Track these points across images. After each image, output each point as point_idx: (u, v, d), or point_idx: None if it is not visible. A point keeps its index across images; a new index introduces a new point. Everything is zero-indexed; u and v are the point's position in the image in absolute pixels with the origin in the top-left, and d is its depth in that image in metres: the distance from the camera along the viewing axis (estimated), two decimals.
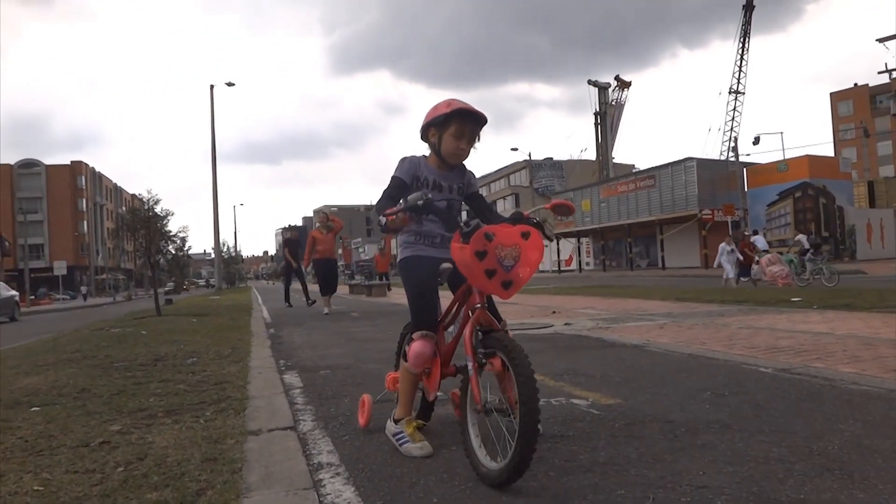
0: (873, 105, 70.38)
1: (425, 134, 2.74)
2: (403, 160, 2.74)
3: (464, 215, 2.71)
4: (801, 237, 18.99)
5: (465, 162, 2.79)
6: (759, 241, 19.17)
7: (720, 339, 5.76)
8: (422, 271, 2.71)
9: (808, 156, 37.54)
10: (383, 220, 2.44)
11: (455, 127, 2.63)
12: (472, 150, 2.72)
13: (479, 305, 2.42)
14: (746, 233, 20.53)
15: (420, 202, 2.40)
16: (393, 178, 2.70)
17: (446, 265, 2.69)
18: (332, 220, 11.95)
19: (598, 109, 59.47)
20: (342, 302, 15.31)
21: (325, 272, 11.97)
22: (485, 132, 2.72)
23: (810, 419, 2.92)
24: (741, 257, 17.04)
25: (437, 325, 2.70)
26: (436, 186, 2.72)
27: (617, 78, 59.52)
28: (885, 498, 1.99)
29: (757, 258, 17.05)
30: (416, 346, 2.63)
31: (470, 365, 2.36)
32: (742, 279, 17.21)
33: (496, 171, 76.52)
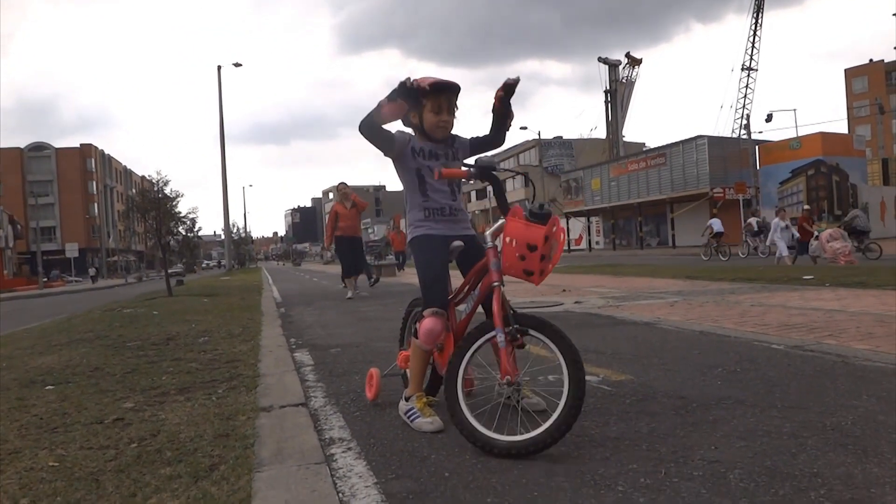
0: (889, 81, 69.22)
1: (406, 118, 2.78)
2: (397, 130, 2.79)
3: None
4: (752, 220, 21.48)
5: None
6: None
7: (731, 316, 5.73)
8: (433, 250, 2.73)
9: (821, 133, 37.08)
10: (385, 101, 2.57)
11: (431, 102, 2.68)
12: (454, 119, 2.77)
13: (496, 283, 2.45)
14: (786, 209, 19.34)
15: (494, 167, 2.57)
16: None
17: (457, 243, 2.74)
18: (355, 199, 10.71)
19: (608, 87, 58.86)
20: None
21: (350, 251, 10.86)
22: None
23: (823, 395, 2.90)
24: (796, 234, 15.94)
25: (448, 303, 2.71)
26: (433, 155, 2.77)
27: (627, 55, 58.77)
28: None
29: (816, 233, 15.62)
30: (427, 323, 2.63)
31: (502, 338, 2.36)
32: (798, 257, 15.96)
33: (505, 151, 75.86)
